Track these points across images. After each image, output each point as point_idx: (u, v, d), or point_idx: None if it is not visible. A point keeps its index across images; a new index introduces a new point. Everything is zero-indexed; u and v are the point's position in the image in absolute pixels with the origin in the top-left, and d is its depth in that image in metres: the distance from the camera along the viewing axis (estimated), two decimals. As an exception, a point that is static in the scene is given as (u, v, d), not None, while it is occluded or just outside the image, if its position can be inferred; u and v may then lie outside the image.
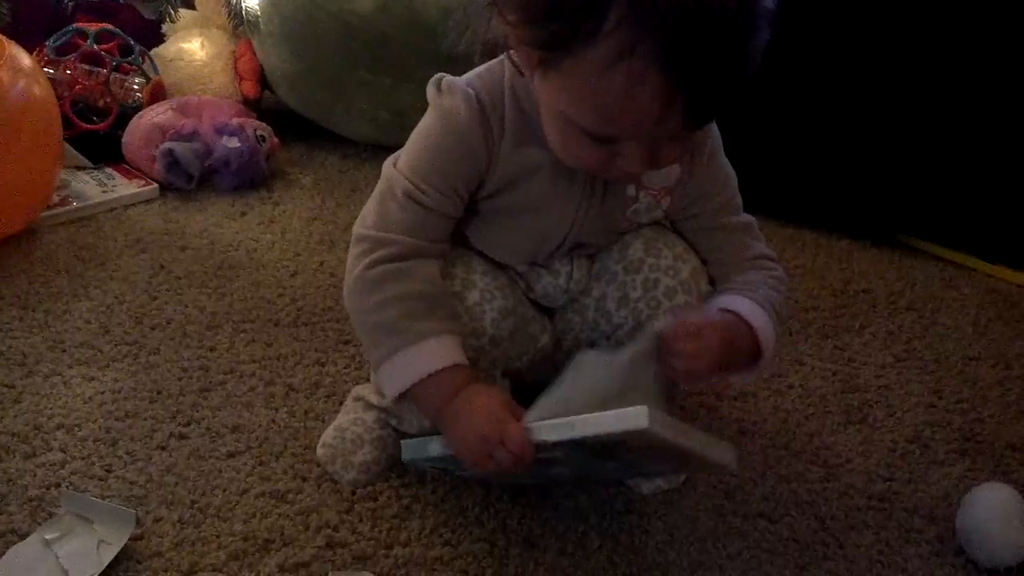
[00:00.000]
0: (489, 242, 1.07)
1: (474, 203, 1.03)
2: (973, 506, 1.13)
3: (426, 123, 1.02)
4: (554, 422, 0.89)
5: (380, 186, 1.02)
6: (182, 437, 1.18)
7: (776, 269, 1.10)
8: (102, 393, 1.24)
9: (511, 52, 0.93)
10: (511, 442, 0.90)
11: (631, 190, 1.04)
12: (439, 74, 1.01)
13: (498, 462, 0.91)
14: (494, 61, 1.00)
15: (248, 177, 1.87)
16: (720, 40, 0.78)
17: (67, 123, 1.81)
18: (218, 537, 1.04)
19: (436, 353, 0.96)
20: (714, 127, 1.06)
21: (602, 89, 0.82)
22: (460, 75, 1.01)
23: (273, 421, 1.22)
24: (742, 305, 1.04)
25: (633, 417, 0.83)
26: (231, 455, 1.16)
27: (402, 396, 0.98)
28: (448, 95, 0.99)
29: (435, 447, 1.01)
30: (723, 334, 0.97)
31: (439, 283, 1.00)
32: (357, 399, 1.20)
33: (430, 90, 1.01)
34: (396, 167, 1.02)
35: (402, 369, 0.96)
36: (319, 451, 1.16)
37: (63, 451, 1.13)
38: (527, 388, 1.05)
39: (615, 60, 0.79)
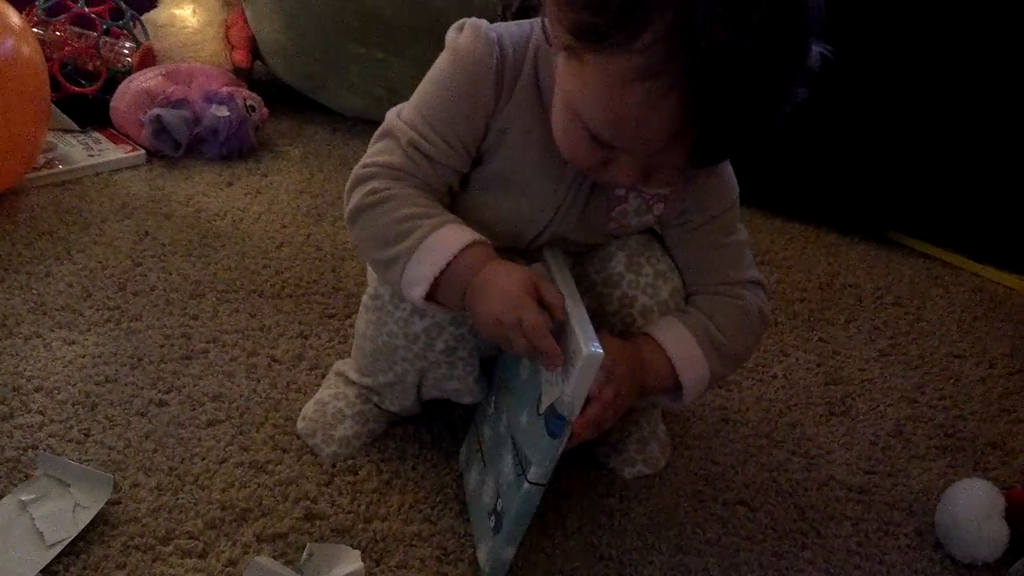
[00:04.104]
0: (472, 219, 1.01)
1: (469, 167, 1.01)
2: (952, 502, 1.14)
3: (438, 63, 0.98)
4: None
5: (381, 137, 0.99)
6: (162, 404, 1.17)
7: (746, 296, 1.04)
8: (82, 357, 1.23)
9: (544, 19, 0.87)
10: (528, 328, 0.87)
11: (620, 190, 1.00)
12: (464, 18, 0.97)
13: (517, 347, 0.89)
14: (525, 20, 0.96)
15: (236, 147, 1.86)
16: (748, 96, 0.76)
17: (55, 85, 1.80)
18: (195, 505, 1.03)
19: (460, 232, 0.92)
20: None
21: (618, 99, 0.79)
22: None
23: (254, 391, 1.21)
24: (665, 331, 1.01)
25: (593, 360, 0.84)
26: (211, 424, 1.15)
27: (431, 296, 0.93)
28: (468, 35, 0.95)
29: (508, 552, 0.96)
30: (629, 364, 0.95)
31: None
32: (338, 374, 1.19)
33: (450, 32, 0.97)
34: (400, 118, 0.98)
35: (429, 255, 0.91)
36: (299, 424, 1.15)
37: (41, 413, 1.12)
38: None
39: (640, 76, 0.76)
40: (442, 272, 0.91)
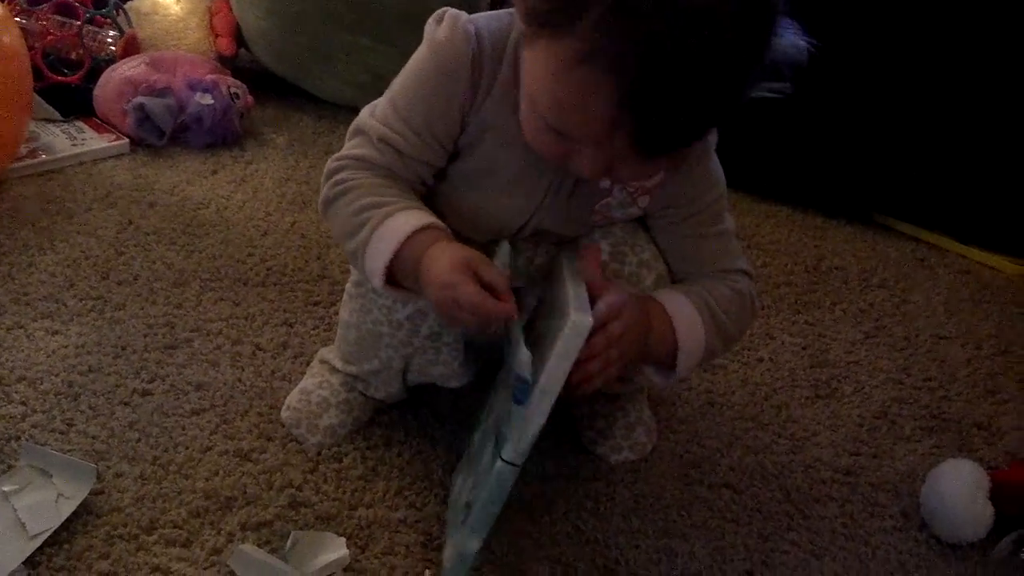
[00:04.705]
0: (453, 213, 1.00)
1: (447, 163, 1.00)
2: (937, 482, 1.14)
3: (415, 56, 0.97)
4: (531, 407, 0.85)
5: (353, 135, 0.99)
6: (146, 393, 1.16)
7: (739, 282, 1.04)
8: (65, 347, 1.22)
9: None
10: (466, 305, 0.85)
11: (605, 183, 0.99)
12: (443, 8, 0.96)
13: (468, 324, 0.88)
14: (506, 11, 0.95)
15: (221, 135, 1.84)
16: (686, 84, 0.75)
17: (38, 74, 1.78)
18: (179, 494, 1.03)
19: (407, 219, 0.91)
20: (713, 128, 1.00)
21: (560, 83, 0.80)
22: None
23: (239, 380, 1.21)
24: (668, 297, 1.00)
25: (579, 330, 0.82)
26: (195, 412, 1.14)
27: (390, 282, 0.92)
28: (446, 27, 0.94)
29: (472, 544, 0.92)
30: (637, 315, 0.93)
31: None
32: (323, 362, 1.19)
33: (429, 23, 0.96)
34: (373, 115, 0.98)
35: (380, 245, 0.91)
36: (284, 414, 1.15)
37: (24, 404, 1.12)
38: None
39: (578, 60, 0.76)
40: (393, 260, 0.91)
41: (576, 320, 0.82)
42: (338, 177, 0.96)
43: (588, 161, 0.85)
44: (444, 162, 0.99)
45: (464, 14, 0.95)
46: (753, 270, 1.07)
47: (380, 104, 0.99)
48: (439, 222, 0.92)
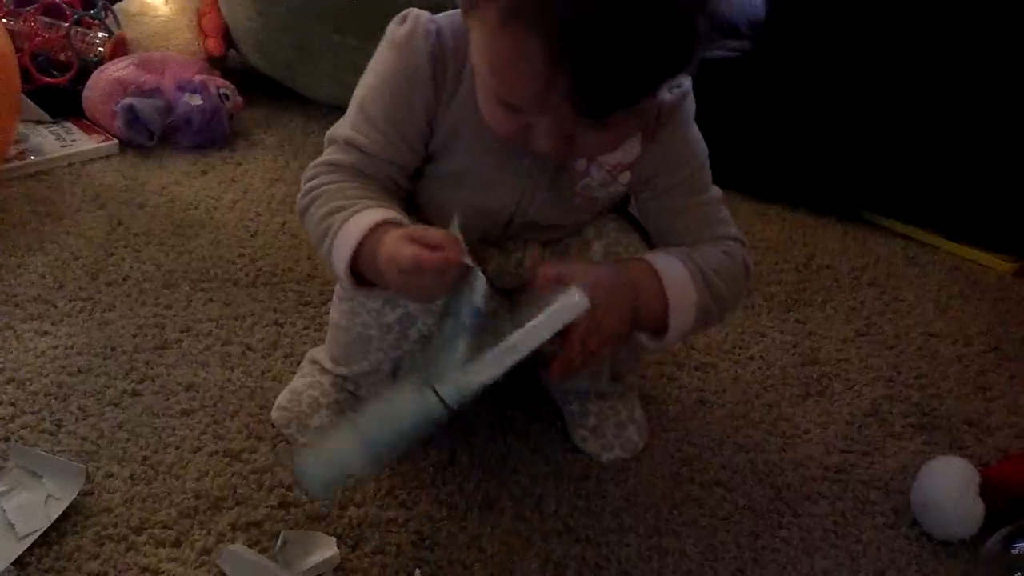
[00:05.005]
0: (438, 214, 1.00)
1: (424, 164, 1.00)
2: (928, 480, 1.14)
3: (376, 56, 0.98)
4: (492, 355, 0.83)
5: (328, 144, 1.00)
6: (135, 394, 1.16)
7: (730, 246, 1.03)
8: (55, 348, 1.22)
9: None
10: (407, 265, 0.83)
11: (581, 164, 0.99)
12: (407, 9, 0.96)
13: (430, 289, 0.86)
14: None
15: (210, 136, 1.84)
16: (609, 32, 0.73)
17: (26, 76, 1.78)
18: (169, 495, 1.02)
19: (362, 220, 0.90)
20: (689, 96, 1.00)
21: (493, 48, 0.80)
22: None
23: (229, 380, 1.20)
24: (655, 255, 0.99)
25: (572, 306, 0.83)
26: (185, 413, 1.14)
27: (358, 280, 0.92)
28: (406, 29, 0.94)
29: (351, 454, 0.86)
30: (613, 286, 0.92)
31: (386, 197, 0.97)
32: (313, 362, 1.18)
33: (391, 23, 0.96)
34: (343, 121, 0.99)
35: (340, 250, 0.91)
36: (274, 414, 1.14)
37: (13, 405, 1.11)
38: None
39: (506, 19, 0.76)
40: (355, 259, 0.90)
41: (576, 297, 0.82)
42: (309, 185, 0.97)
43: (544, 134, 0.85)
44: (415, 164, 1.00)
45: (426, 13, 0.95)
46: (745, 238, 1.06)
47: (349, 108, 0.99)
48: (398, 216, 0.91)
